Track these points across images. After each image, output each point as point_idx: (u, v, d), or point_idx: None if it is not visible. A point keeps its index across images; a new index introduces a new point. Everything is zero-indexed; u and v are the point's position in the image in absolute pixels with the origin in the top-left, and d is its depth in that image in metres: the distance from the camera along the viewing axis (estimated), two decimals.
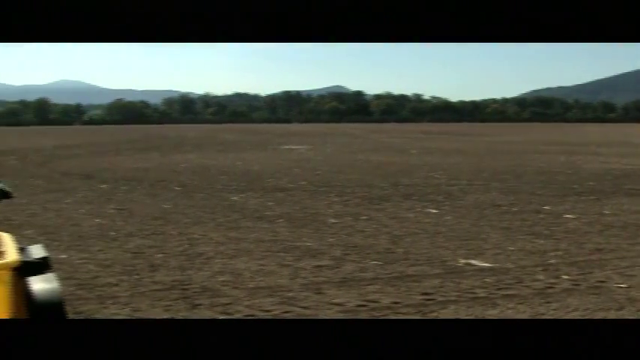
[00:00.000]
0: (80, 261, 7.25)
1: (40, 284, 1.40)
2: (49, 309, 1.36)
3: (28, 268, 1.43)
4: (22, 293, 1.40)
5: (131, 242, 8.32)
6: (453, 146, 34.05)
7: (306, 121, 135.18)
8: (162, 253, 7.64)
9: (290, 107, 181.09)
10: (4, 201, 3.10)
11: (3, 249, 1.61)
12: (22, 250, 1.55)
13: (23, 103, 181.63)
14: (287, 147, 33.99)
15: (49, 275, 1.44)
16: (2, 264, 1.40)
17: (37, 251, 1.57)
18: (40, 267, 1.47)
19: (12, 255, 1.47)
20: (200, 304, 5.69)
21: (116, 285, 6.33)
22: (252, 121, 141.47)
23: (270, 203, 11.84)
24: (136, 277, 6.62)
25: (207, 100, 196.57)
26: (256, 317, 5.44)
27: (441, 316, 5.43)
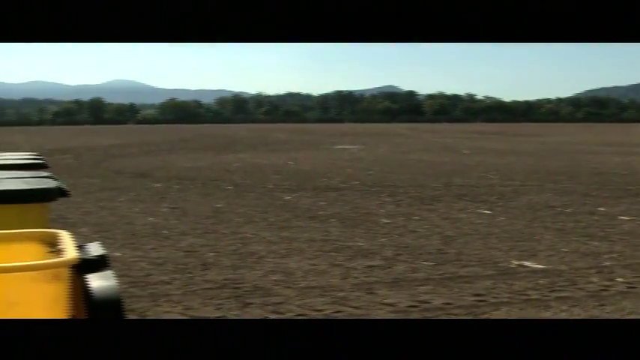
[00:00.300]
0: (133, 259, 7.31)
1: (98, 282, 1.39)
2: (108, 306, 1.36)
3: (86, 266, 1.43)
4: (81, 291, 1.40)
5: (184, 241, 8.36)
6: (506, 146, 33.77)
7: (359, 120, 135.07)
8: (215, 252, 7.67)
9: (342, 107, 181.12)
10: (61, 199, 3.13)
11: (62, 246, 1.61)
12: (80, 247, 1.55)
13: (78, 103, 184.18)
14: (339, 147, 33.98)
15: (108, 273, 1.44)
16: (61, 261, 1.40)
17: (95, 249, 1.57)
18: (98, 265, 1.47)
19: (71, 252, 1.47)
20: (251, 303, 5.69)
21: (168, 283, 6.37)
22: (305, 120, 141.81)
23: (322, 203, 11.84)
24: (188, 275, 6.66)
25: (260, 100, 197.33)
26: (308, 317, 5.43)
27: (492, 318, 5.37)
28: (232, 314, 5.47)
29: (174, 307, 5.63)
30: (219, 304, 5.68)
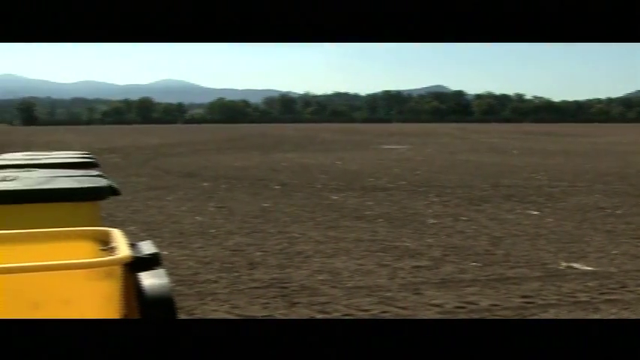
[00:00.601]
0: (181, 257, 7.36)
1: (151, 280, 1.41)
2: (160, 305, 1.37)
3: (139, 264, 1.45)
4: (133, 289, 1.42)
5: (231, 240, 8.41)
6: (555, 147, 33.45)
7: (406, 120, 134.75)
8: (262, 251, 7.69)
9: (390, 107, 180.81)
10: (110, 197, 3.16)
11: (114, 244, 1.63)
12: (132, 245, 1.57)
13: (127, 102, 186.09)
14: (387, 147, 33.92)
15: (160, 271, 1.46)
16: (115, 259, 1.42)
17: (147, 247, 1.59)
18: (150, 263, 1.49)
19: (124, 250, 1.49)
20: (298, 303, 5.70)
21: (215, 282, 6.41)
22: (352, 120, 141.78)
23: (369, 203, 11.82)
24: (235, 274, 6.69)
25: (307, 100, 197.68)
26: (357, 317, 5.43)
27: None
28: (279, 314, 5.48)
29: (221, 305, 5.66)
30: (265, 304, 5.70)
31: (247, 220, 9.92)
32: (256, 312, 5.51)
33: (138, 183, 15.35)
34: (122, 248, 1.52)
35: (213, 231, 9.04)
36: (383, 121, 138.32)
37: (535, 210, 11.02)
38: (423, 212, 10.74)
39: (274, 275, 6.63)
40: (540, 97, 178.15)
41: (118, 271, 1.39)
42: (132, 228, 9.01)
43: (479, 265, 7.08)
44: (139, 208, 11.13)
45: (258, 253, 7.60)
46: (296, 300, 5.79)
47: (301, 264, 7.10)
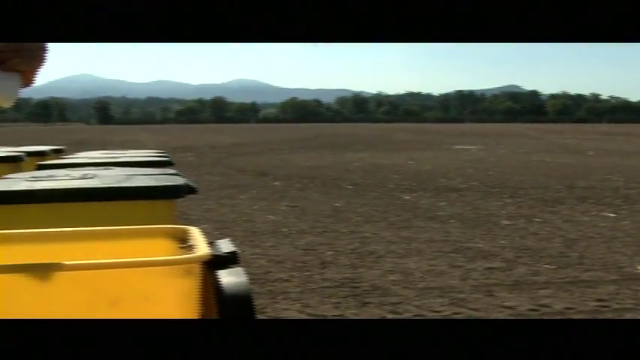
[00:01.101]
0: (253, 256, 7.42)
1: (229, 278, 1.43)
2: (239, 303, 1.39)
3: (217, 262, 1.47)
4: (212, 287, 1.44)
5: (303, 239, 8.45)
6: (632, 148, 32.82)
7: (479, 120, 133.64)
8: (333, 251, 7.72)
9: (463, 107, 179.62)
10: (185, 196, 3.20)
11: (192, 242, 1.66)
12: (210, 244, 1.59)
13: (201, 102, 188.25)
14: (459, 147, 33.69)
15: (238, 270, 1.47)
16: (194, 257, 1.45)
17: (225, 245, 1.61)
18: (229, 261, 1.51)
19: (202, 248, 1.51)
20: (369, 303, 5.71)
21: (287, 281, 6.44)
22: (425, 120, 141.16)
23: (442, 203, 11.76)
24: (307, 273, 6.72)
25: (380, 99, 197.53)
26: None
27: None
28: (350, 313, 5.49)
29: (293, 304, 5.69)
30: (337, 303, 5.71)
31: (319, 220, 9.95)
32: (327, 311, 5.53)
33: (211, 182, 15.51)
34: (201, 246, 1.55)
35: (285, 230, 9.09)
36: (455, 121, 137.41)
37: (611, 212, 10.84)
38: (496, 213, 10.65)
39: (346, 275, 6.64)
40: (617, 97, 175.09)
41: (197, 269, 1.41)
42: (205, 226, 9.11)
43: (553, 267, 6.99)
44: (212, 206, 11.25)
45: (330, 253, 7.62)
46: (367, 300, 5.79)
47: (373, 264, 7.10)
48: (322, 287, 6.21)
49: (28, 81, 1.55)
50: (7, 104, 1.56)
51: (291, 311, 5.53)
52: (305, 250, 7.80)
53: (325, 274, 6.69)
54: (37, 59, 1.55)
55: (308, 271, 6.82)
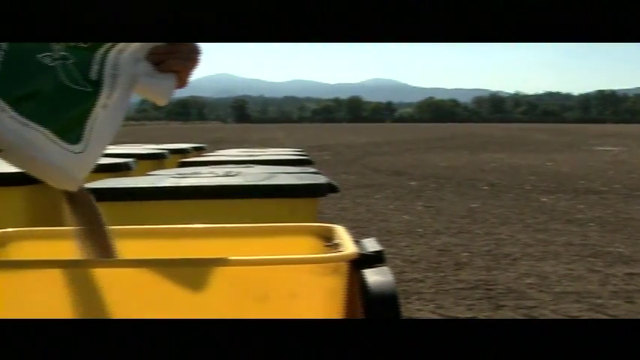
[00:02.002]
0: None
1: (376, 277, 1.45)
2: (386, 303, 1.41)
3: (364, 261, 1.50)
4: (358, 286, 1.47)
5: (437, 240, 8.42)
6: None
7: (622, 121, 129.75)
8: (468, 252, 7.67)
9: (604, 107, 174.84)
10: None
11: (338, 241, 1.70)
12: (356, 242, 1.62)
13: (337, 101, 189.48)
14: (600, 148, 32.80)
15: (385, 269, 1.50)
16: (341, 255, 1.48)
17: (371, 244, 1.64)
18: (376, 260, 1.53)
19: (349, 247, 1.55)
20: (504, 306, 5.65)
21: (421, 281, 6.44)
22: (563, 120, 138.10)
23: (580, 206, 11.50)
24: (441, 274, 6.70)
25: (518, 99, 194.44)
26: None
27: None
28: (483, 316, 5.45)
29: (426, 305, 5.69)
30: (470, 305, 5.68)
31: (455, 220, 9.90)
32: (460, 313, 5.51)
33: (347, 181, 15.60)
34: (347, 245, 1.58)
35: (420, 230, 9.09)
36: (596, 121, 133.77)
37: None
38: (638, 217, 10.34)
39: (480, 277, 6.60)
40: None
41: (344, 267, 1.45)
42: (340, 225, 9.19)
43: None
44: (348, 205, 11.34)
45: (465, 254, 7.58)
46: (502, 303, 5.74)
47: (508, 266, 7.02)
48: (456, 289, 6.19)
49: (182, 82, 1.62)
50: (162, 102, 1.64)
51: (424, 312, 5.54)
52: (440, 250, 7.78)
53: (460, 275, 6.67)
54: (191, 60, 1.62)
55: (442, 272, 6.80)
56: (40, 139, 1.41)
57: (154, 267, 1.45)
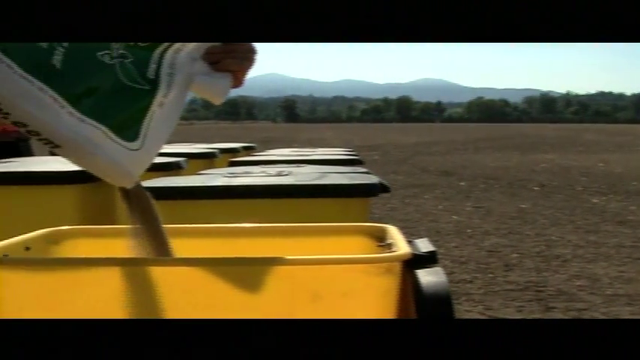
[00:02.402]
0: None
1: (429, 278, 1.46)
2: (439, 303, 1.41)
3: (417, 262, 1.50)
4: (411, 286, 1.47)
5: (487, 240, 8.38)
6: None
7: None
8: (518, 253, 7.62)
9: None
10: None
11: (391, 241, 1.71)
12: (409, 243, 1.62)
13: (386, 101, 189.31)
14: None
15: (438, 269, 1.50)
16: (395, 256, 1.48)
17: (424, 245, 1.64)
18: (429, 260, 1.54)
19: (402, 247, 1.55)
20: (554, 308, 5.61)
21: (470, 282, 6.42)
22: (616, 121, 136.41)
23: (632, 207, 11.36)
24: (490, 275, 6.67)
25: (569, 99, 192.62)
26: None
27: None
28: (532, 317, 5.42)
29: (475, 306, 5.67)
30: (520, 307, 5.65)
31: (504, 221, 9.84)
32: (510, 315, 5.48)
33: (395, 181, 15.57)
34: (401, 245, 1.58)
35: (469, 231, 9.05)
36: None
37: None
38: None
39: (530, 278, 6.56)
40: None
41: (398, 267, 1.45)
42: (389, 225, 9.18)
43: None
44: (397, 205, 11.32)
45: (515, 255, 7.54)
46: (552, 305, 5.70)
47: (559, 268, 6.97)
48: (505, 290, 6.16)
49: (238, 81, 1.65)
50: (218, 102, 1.66)
51: (472, 313, 5.52)
52: (489, 251, 7.74)
53: (509, 276, 6.63)
54: (247, 60, 1.64)
55: (491, 273, 6.77)
56: (99, 135, 1.44)
57: (208, 266, 1.46)
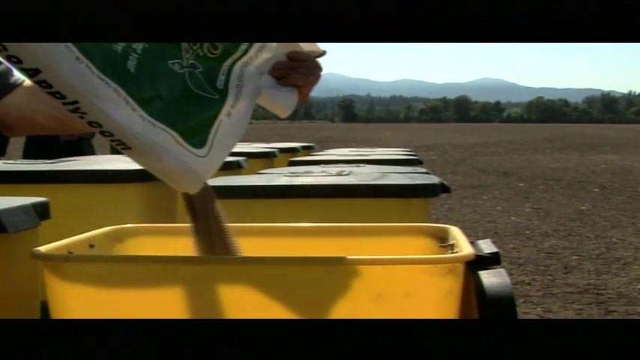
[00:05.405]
0: None
1: (492, 279, 1.46)
2: (502, 304, 1.42)
3: (480, 262, 1.50)
4: (474, 287, 1.48)
5: (546, 242, 8.31)
6: None
7: None
8: (577, 255, 7.55)
9: None
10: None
11: (453, 242, 1.71)
12: (471, 243, 1.63)
13: (444, 101, 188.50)
14: None
15: (501, 271, 1.50)
16: (458, 256, 1.49)
17: (486, 246, 1.64)
18: (492, 262, 1.54)
19: (465, 248, 1.56)
20: (614, 311, 5.55)
21: (528, 284, 6.38)
22: None
23: None
24: (549, 277, 6.62)
25: (631, 99, 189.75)
26: None
27: None
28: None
29: (533, 308, 5.64)
30: (579, 310, 5.60)
31: (563, 223, 9.74)
32: (569, 317, 5.43)
33: (453, 181, 15.49)
34: (463, 246, 1.59)
35: (528, 232, 8.98)
36: None
37: None
38: None
39: (590, 281, 6.49)
40: None
41: (460, 268, 1.46)
42: (451, 226, 9.14)
43: None
44: (454, 206, 11.27)
45: (574, 257, 7.46)
46: (612, 308, 5.64)
47: (619, 271, 6.88)
48: (565, 292, 6.10)
49: (302, 97, 1.67)
50: (283, 115, 1.69)
51: (531, 315, 5.48)
52: (548, 253, 7.68)
53: (568, 279, 6.57)
54: (313, 76, 1.67)
55: (550, 275, 6.71)
56: (169, 140, 1.47)
57: (271, 265, 1.48)
